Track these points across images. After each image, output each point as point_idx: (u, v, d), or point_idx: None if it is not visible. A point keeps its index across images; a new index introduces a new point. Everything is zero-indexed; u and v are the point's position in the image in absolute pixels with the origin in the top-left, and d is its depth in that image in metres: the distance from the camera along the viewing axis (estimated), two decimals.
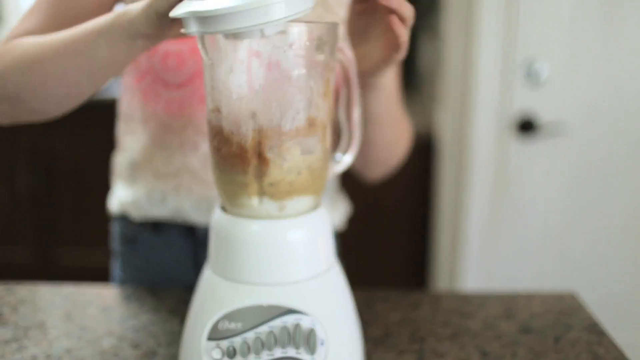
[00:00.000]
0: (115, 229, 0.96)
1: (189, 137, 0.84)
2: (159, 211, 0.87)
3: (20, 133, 2.48)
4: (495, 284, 1.92)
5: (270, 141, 0.55)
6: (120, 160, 0.92)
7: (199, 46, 0.55)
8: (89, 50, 0.62)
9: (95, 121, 1.96)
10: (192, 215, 0.86)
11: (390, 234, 2.24)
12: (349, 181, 1.08)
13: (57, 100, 0.68)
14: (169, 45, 0.80)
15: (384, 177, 0.94)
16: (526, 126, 1.78)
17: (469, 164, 1.85)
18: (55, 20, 0.74)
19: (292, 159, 0.56)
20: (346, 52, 0.63)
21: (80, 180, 2.49)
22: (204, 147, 0.84)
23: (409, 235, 2.24)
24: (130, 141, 0.90)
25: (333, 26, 0.57)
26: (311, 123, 0.56)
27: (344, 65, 0.63)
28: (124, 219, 0.94)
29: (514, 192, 1.86)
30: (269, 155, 0.55)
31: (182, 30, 0.52)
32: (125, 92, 0.90)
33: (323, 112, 0.57)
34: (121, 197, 0.92)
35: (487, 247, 1.90)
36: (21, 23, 0.75)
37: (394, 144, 0.87)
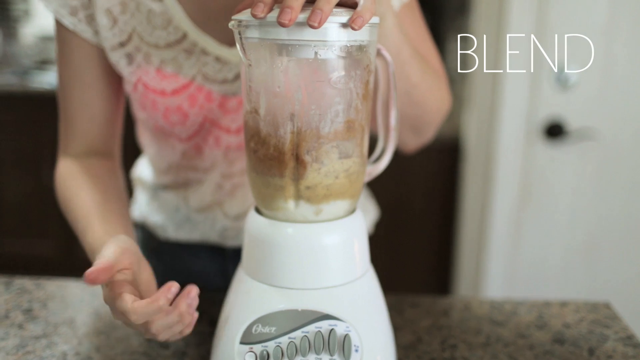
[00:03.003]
0: (138, 235, 0.95)
1: (213, 178, 0.82)
2: (186, 235, 0.87)
3: (44, 126, 2.50)
4: (519, 291, 1.90)
5: (308, 144, 0.54)
6: (145, 176, 0.92)
7: (238, 47, 0.54)
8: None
9: None
10: (221, 240, 0.86)
11: (414, 238, 2.23)
12: (373, 185, 1.07)
13: None
14: (166, 101, 0.74)
15: (419, 145, 0.83)
16: (554, 131, 1.75)
17: (495, 168, 1.83)
18: (73, 102, 0.77)
19: (329, 163, 0.55)
20: (384, 53, 0.61)
21: None
22: (229, 185, 0.82)
23: (433, 239, 2.22)
24: (155, 173, 0.89)
25: (373, 27, 0.56)
26: (349, 126, 0.55)
27: (382, 67, 0.62)
28: (147, 229, 0.93)
29: (540, 197, 1.83)
30: (307, 158, 0.54)
31: (231, 24, 0.54)
32: (143, 140, 0.89)
33: (362, 115, 0.56)
34: (145, 213, 0.91)
35: (511, 253, 1.88)
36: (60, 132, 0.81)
37: (419, 96, 0.73)
